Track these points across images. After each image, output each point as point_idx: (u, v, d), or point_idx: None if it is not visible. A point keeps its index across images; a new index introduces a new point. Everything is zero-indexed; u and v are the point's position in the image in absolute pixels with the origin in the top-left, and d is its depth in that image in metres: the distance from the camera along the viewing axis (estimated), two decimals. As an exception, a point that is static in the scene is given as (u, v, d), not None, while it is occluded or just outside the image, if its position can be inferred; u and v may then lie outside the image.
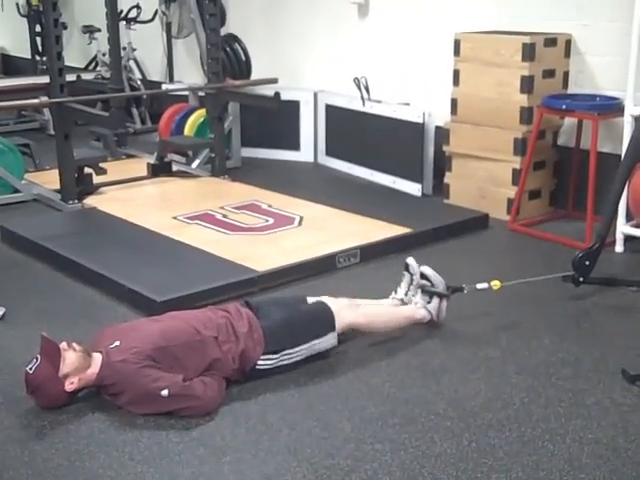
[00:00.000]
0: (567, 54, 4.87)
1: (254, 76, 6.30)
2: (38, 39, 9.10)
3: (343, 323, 3.20)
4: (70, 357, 2.77)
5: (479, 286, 3.52)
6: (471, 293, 3.51)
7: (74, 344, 2.82)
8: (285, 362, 3.05)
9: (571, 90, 4.89)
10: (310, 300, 3.34)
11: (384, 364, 3.16)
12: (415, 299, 3.47)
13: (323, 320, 3.16)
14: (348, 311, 3.25)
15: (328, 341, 3.14)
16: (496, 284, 3.52)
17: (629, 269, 4.20)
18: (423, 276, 3.48)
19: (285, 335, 3.07)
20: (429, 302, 3.45)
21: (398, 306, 3.51)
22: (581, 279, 3.74)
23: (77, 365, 2.77)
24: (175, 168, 5.95)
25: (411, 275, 3.52)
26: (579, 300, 3.74)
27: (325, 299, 3.31)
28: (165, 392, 2.71)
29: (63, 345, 2.80)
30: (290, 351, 3.05)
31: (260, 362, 3.00)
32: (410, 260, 3.54)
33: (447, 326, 3.48)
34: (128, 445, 2.61)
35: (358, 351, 3.27)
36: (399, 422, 2.74)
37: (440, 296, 3.45)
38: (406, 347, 3.31)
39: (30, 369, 2.75)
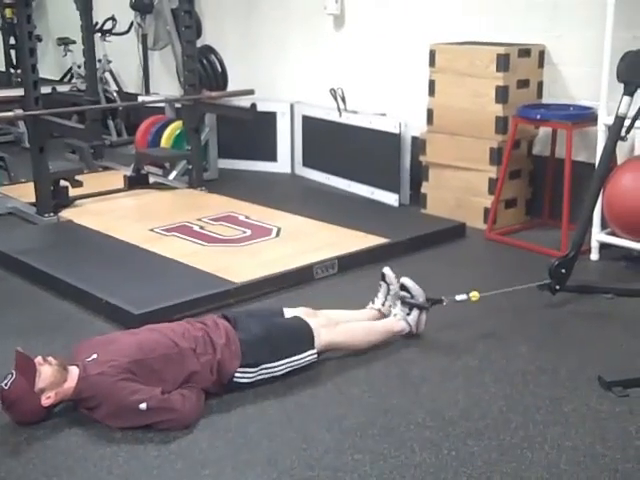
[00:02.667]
0: (541, 64, 4.92)
1: (230, 87, 6.30)
2: (12, 51, 9.04)
3: (321, 343, 3.18)
4: (46, 371, 2.75)
5: (458, 298, 3.53)
6: (450, 303, 3.52)
7: (49, 358, 2.80)
8: (264, 376, 3.03)
9: (545, 100, 4.93)
10: (287, 312, 3.33)
11: (363, 374, 3.17)
12: (394, 311, 3.47)
13: (303, 336, 3.15)
14: (325, 330, 3.22)
15: (308, 358, 3.13)
16: (474, 295, 3.53)
17: (605, 276, 4.24)
18: (403, 287, 3.48)
19: (263, 349, 3.05)
20: (408, 314, 3.44)
21: (377, 318, 3.51)
22: (557, 287, 3.77)
23: (53, 379, 2.75)
24: (152, 180, 5.93)
25: (388, 285, 3.53)
26: (556, 308, 3.77)
27: (302, 312, 3.29)
28: (143, 405, 2.70)
29: (38, 360, 2.77)
30: (269, 365, 3.04)
31: (238, 375, 2.98)
32: (386, 270, 3.55)
33: (425, 336, 3.49)
34: (106, 459, 2.59)
35: (337, 361, 3.27)
36: (378, 432, 2.74)
37: (420, 308, 3.45)
38: (385, 357, 3.31)
39: (5, 385, 2.72)
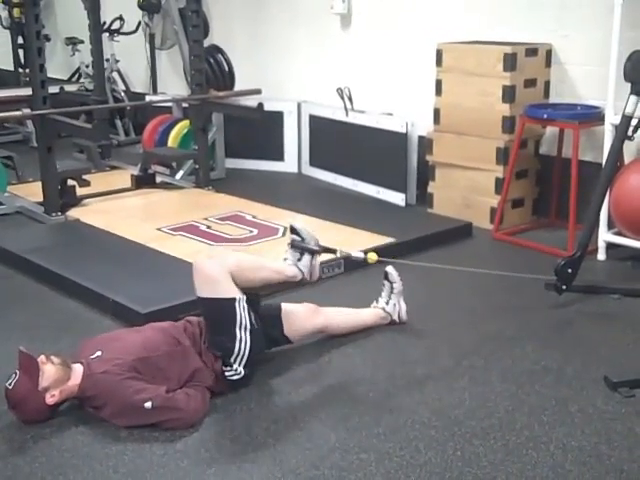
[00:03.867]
0: (548, 64, 4.91)
1: (237, 87, 6.30)
2: (21, 51, 9.07)
3: (224, 270, 2.99)
4: (49, 370, 2.75)
5: (354, 254, 3.40)
6: (453, 296, 3.51)
7: (52, 357, 2.80)
8: (243, 360, 2.95)
9: (552, 99, 4.92)
10: (286, 307, 3.30)
11: (368, 374, 3.17)
12: (285, 255, 3.26)
13: (220, 309, 2.99)
14: (219, 268, 3.02)
15: (241, 307, 2.97)
16: (372, 257, 3.39)
17: (611, 277, 4.23)
18: (293, 231, 3.26)
19: (217, 345, 2.98)
20: (299, 259, 3.24)
21: (381, 317, 3.53)
22: (564, 287, 3.77)
23: (56, 377, 2.75)
24: (159, 179, 5.94)
25: (391, 284, 3.53)
26: (562, 308, 3.76)
27: (304, 309, 3.29)
28: (149, 404, 2.70)
29: (41, 358, 2.78)
30: (234, 352, 2.94)
31: (227, 373, 2.96)
32: (390, 269, 3.54)
33: (430, 335, 3.49)
34: (112, 458, 2.60)
35: (342, 361, 3.27)
36: (384, 431, 2.74)
37: (311, 252, 3.23)
38: (390, 357, 3.31)
39: (9, 385, 2.73)
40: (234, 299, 2.98)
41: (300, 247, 3.23)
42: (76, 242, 4.72)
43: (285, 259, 3.24)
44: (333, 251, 3.36)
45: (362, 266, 4.20)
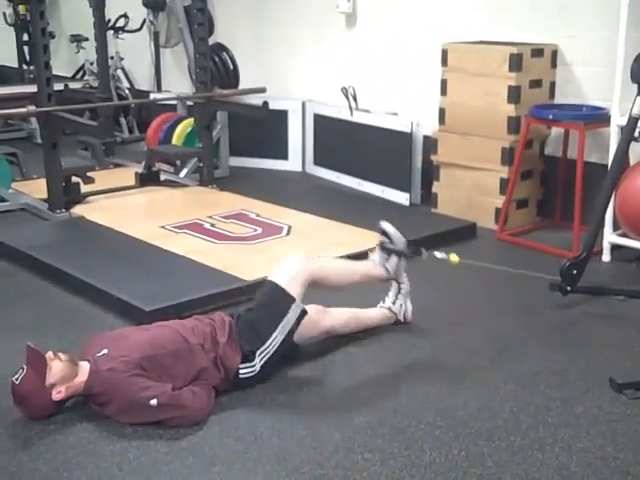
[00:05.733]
0: (554, 64, 4.90)
1: (242, 85, 6.30)
2: (25, 48, 9.07)
3: (297, 290, 3.09)
4: (56, 366, 2.75)
5: (437, 254, 3.44)
6: (458, 296, 3.51)
7: (60, 354, 2.80)
8: (265, 358, 2.99)
9: (558, 100, 4.92)
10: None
11: (373, 373, 3.16)
12: (373, 256, 3.40)
13: (278, 299, 3.08)
14: (300, 266, 3.16)
15: (293, 314, 3.06)
16: (454, 257, 3.43)
17: (616, 278, 4.22)
18: (383, 233, 3.40)
19: (252, 336, 3.01)
20: (387, 260, 3.36)
21: (387, 317, 3.53)
22: (569, 288, 3.76)
23: (63, 374, 2.75)
24: (163, 177, 5.94)
25: (399, 284, 3.53)
26: (567, 309, 3.75)
27: (312, 310, 3.26)
28: (154, 401, 2.70)
29: (49, 355, 2.78)
30: (263, 348, 3.00)
31: (242, 371, 2.97)
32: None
33: (435, 335, 3.49)
34: (116, 455, 2.60)
35: (347, 360, 3.27)
36: (388, 432, 2.73)
37: (399, 254, 3.35)
38: (395, 357, 3.31)
39: (16, 379, 2.73)
40: (294, 299, 3.07)
41: (388, 249, 3.35)
42: (80, 239, 4.72)
43: (373, 260, 3.37)
44: (419, 253, 3.43)
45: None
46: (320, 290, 3.28)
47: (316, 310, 3.31)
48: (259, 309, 3.12)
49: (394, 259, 3.38)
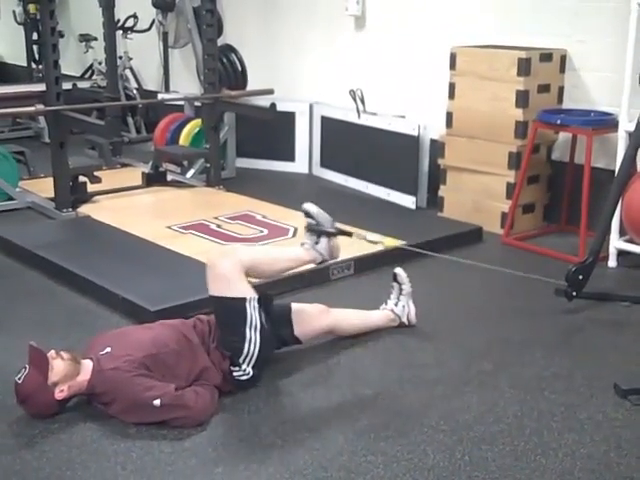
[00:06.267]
0: (562, 69, 4.89)
1: (250, 87, 6.31)
2: (34, 47, 9.11)
3: (237, 266, 2.99)
4: (58, 365, 2.76)
5: (369, 237, 3.39)
6: (462, 300, 3.51)
7: (62, 352, 2.81)
8: (252, 361, 2.94)
9: (566, 105, 4.91)
10: (296, 307, 3.30)
11: (377, 376, 3.16)
12: (302, 240, 3.27)
13: (230, 308, 2.97)
14: (233, 264, 3.02)
15: (252, 308, 2.96)
16: (389, 241, 3.36)
17: (622, 284, 4.21)
18: (307, 214, 3.26)
19: (227, 344, 2.97)
20: (317, 243, 3.25)
21: (390, 319, 3.53)
22: (574, 293, 3.75)
23: (66, 372, 2.76)
24: (170, 178, 5.95)
25: (400, 285, 3.53)
26: (572, 314, 3.75)
27: (315, 309, 3.29)
28: (157, 402, 2.70)
29: (51, 353, 2.79)
30: (244, 352, 2.94)
31: (235, 374, 2.96)
32: (398, 270, 3.53)
33: (440, 339, 3.49)
34: (120, 455, 2.60)
35: (351, 363, 3.27)
36: (392, 434, 2.73)
37: (328, 235, 3.24)
38: (399, 360, 3.31)
39: (19, 379, 2.74)
40: (245, 299, 2.98)
41: (316, 230, 3.24)
42: (86, 238, 4.73)
43: (303, 244, 3.25)
44: (349, 234, 3.34)
45: (372, 268, 4.23)
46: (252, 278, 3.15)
47: (317, 308, 3.32)
48: (221, 327, 3.03)
49: (324, 240, 3.23)
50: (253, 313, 2.97)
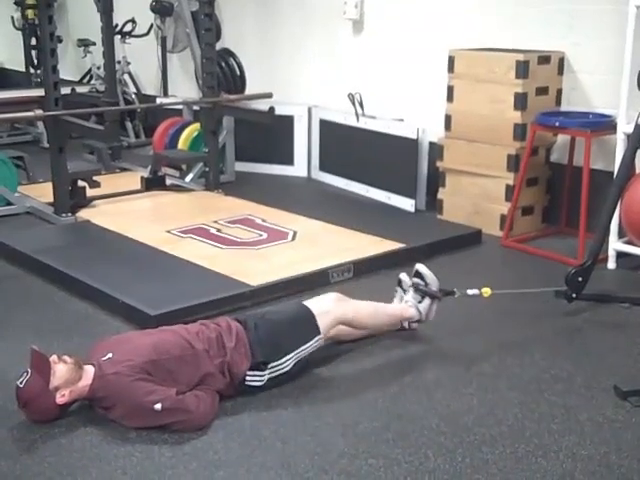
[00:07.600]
0: (560, 72, 4.90)
1: (248, 91, 6.32)
2: (33, 52, 9.11)
3: (326, 324, 3.16)
4: (60, 370, 2.76)
5: (469, 292, 3.51)
6: (463, 302, 3.51)
7: (65, 357, 2.81)
8: (274, 374, 3.02)
9: (564, 107, 4.91)
10: (311, 302, 3.29)
11: (377, 379, 3.16)
12: (406, 297, 3.46)
13: (305, 324, 3.12)
14: (334, 305, 3.22)
15: (314, 344, 3.11)
16: (486, 291, 3.50)
17: (621, 286, 4.21)
18: (417, 274, 3.46)
19: (269, 348, 3.03)
20: (420, 302, 3.43)
21: (402, 309, 3.52)
22: (574, 295, 3.76)
23: (67, 377, 2.76)
24: (169, 182, 5.96)
25: (403, 291, 3.52)
26: (571, 316, 3.75)
27: (332, 297, 3.29)
28: (158, 406, 2.70)
29: (53, 358, 2.79)
30: (276, 363, 3.01)
31: (249, 378, 2.98)
32: (403, 276, 3.55)
33: (440, 341, 3.49)
34: (120, 459, 2.60)
35: (351, 366, 3.27)
36: (392, 437, 2.73)
37: (432, 297, 3.43)
38: (399, 362, 3.31)
39: (20, 383, 2.73)
40: (319, 332, 3.12)
41: (423, 291, 3.41)
42: (86, 243, 4.73)
43: (406, 301, 3.44)
44: (452, 293, 3.49)
45: (371, 271, 4.23)
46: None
47: (333, 299, 3.30)
48: (286, 324, 3.13)
49: (427, 301, 3.43)
50: (310, 348, 3.10)
